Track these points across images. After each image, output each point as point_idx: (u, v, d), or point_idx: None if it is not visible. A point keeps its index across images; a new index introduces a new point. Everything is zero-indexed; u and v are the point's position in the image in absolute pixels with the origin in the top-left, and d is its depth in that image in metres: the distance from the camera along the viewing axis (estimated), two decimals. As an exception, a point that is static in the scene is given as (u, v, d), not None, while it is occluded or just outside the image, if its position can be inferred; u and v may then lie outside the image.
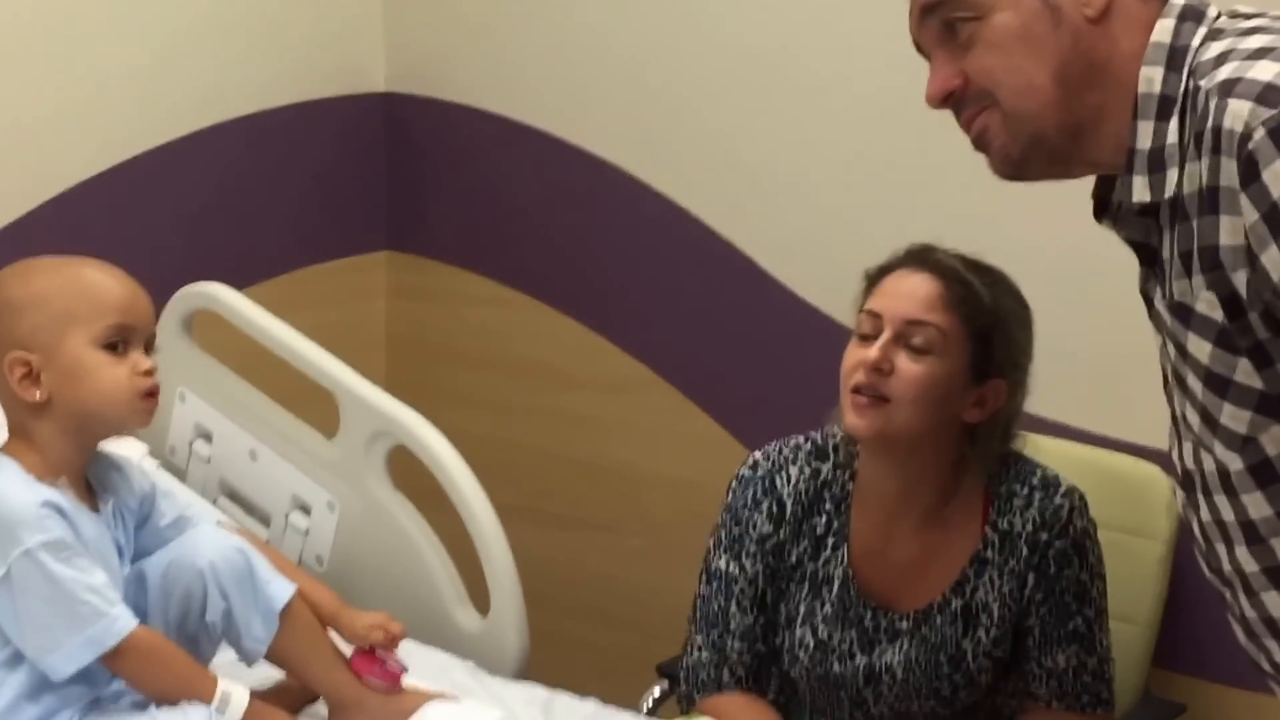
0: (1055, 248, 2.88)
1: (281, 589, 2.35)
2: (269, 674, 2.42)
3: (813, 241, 3.33)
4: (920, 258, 2.46)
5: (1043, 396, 2.55)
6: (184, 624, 2.33)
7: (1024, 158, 1.86)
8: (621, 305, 3.70)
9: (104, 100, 3.53)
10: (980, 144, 1.90)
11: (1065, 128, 1.83)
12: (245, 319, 3.11)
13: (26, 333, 2.22)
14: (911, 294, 2.41)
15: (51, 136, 3.46)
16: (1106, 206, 1.89)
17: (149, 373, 2.25)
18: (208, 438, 3.19)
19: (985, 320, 2.40)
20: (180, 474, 3.20)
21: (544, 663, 2.93)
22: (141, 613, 2.27)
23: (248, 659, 2.36)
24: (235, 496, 3.16)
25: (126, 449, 2.88)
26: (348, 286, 4.03)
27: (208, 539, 2.37)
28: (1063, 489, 2.49)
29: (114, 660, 2.20)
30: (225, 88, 3.75)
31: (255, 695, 2.28)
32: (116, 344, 2.24)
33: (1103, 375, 2.95)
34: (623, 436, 3.72)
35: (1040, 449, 2.56)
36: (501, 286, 3.88)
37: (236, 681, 2.27)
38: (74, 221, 3.47)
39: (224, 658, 2.38)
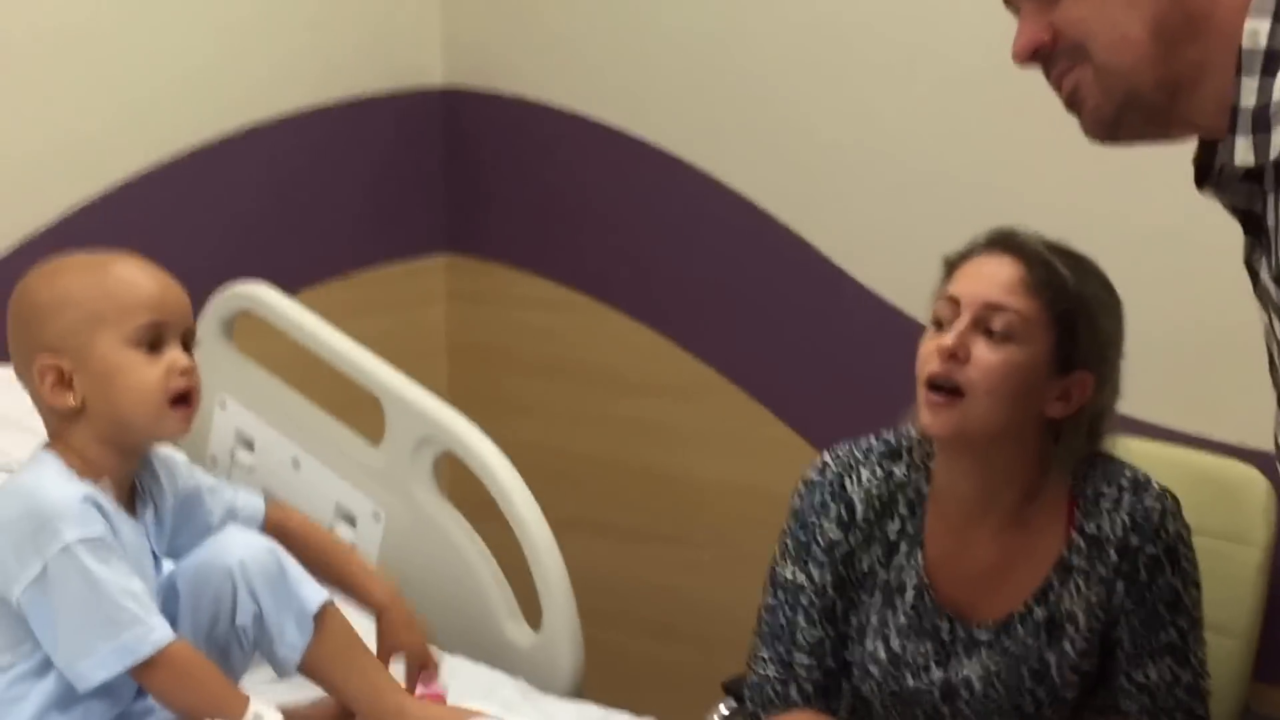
0: (1144, 233, 2.78)
1: (315, 592, 2.24)
2: (302, 696, 2.30)
3: (887, 234, 3.23)
4: (1002, 241, 2.32)
5: (1131, 393, 2.39)
6: (214, 630, 2.22)
7: (1118, 118, 1.75)
8: (687, 305, 3.60)
9: (155, 96, 3.49)
10: (1072, 104, 1.78)
11: (1163, 84, 1.71)
12: (286, 319, 3.01)
13: (55, 336, 2.12)
14: (991, 277, 2.27)
15: (102, 132, 3.43)
16: (1208, 172, 1.75)
17: (187, 371, 2.14)
18: (249, 446, 3.09)
19: (1069, 306, 2.26)
20: (222, 486, 3.07)
21: (607, 680, 2.83)
22: (172, 619, 2.17)
23: (282, 669, 2.25)
24: (280, 509, 3.03)
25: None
26: (406, 291, 3.96)
27: (237, 539, 2.27)
28: (1154, 491, 2.34)
29: (146, 673, 2.09)
30: (277, 83, 3.69)
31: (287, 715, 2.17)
32: (151, 342, 2.12)
33: (1196, 369, 2.83)
34: (690, 443, 3.63)
35: (1129, 451, 2.40)
36: (564, 289, 3.80)
37: (269, 703, 2.14)
38: (123, 218, 3.44)
39: (253, 678, 2.26)
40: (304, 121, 3.72)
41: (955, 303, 2.27)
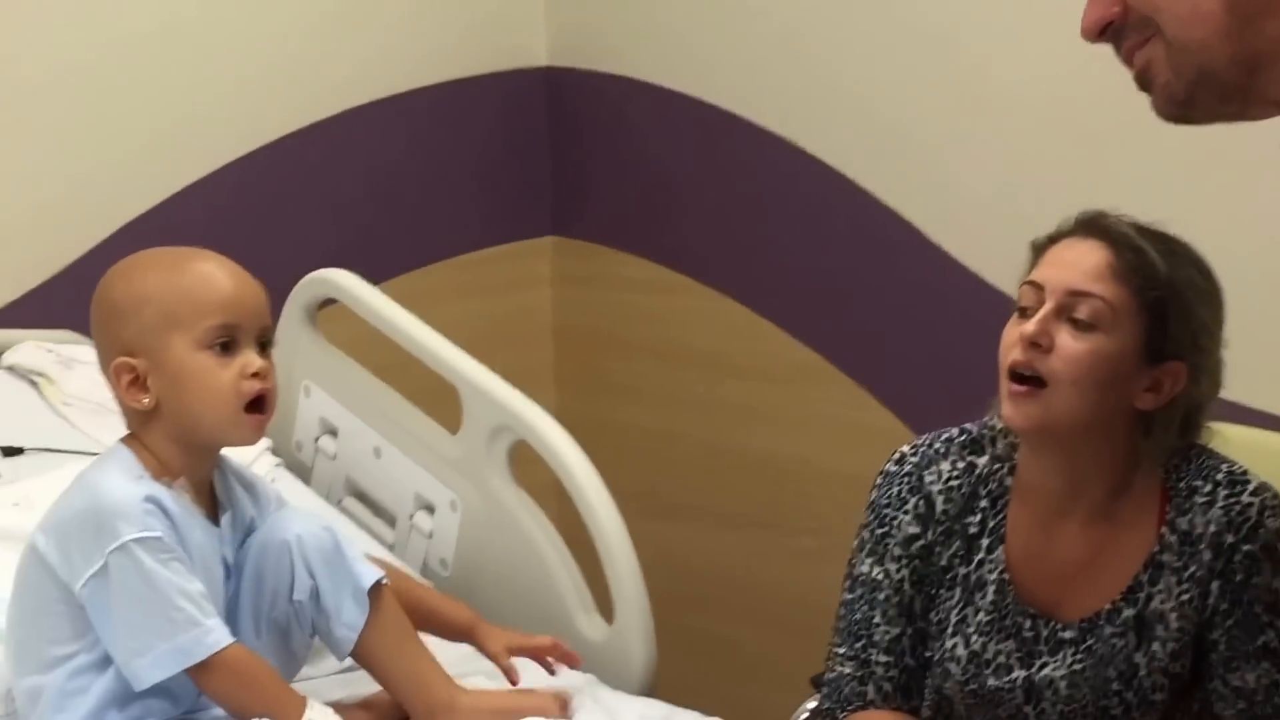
0: (1245, 213, 2.69)
1: (370, 571, 2.21)
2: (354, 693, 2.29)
3: (995, 217, 3.17)
4: (1090, 225, 2.22)
5: (1236, 378, 2.28)
6: (274, 609, 2.20)
7: (1190, 96, 1.66)
8: (791, 289, 3.56)
9: (253, 79, 3.52)
10: (1142, 81, 1.69)
11: (1239, 61, 1.62)
12: (366, 306, 2.98)
13: (131, 336, 2.11)
14: (1077, 263, 2.18)
15: (200, 117, 3.44)
16: None
17: (260, 374, 2.11)
18: (333, 433, 3.06)
19: (1160, 292, 2.16)
20: (306, 472, 3.08)
21: (701, 668, 2.78)
22: (235, 608, 2.17)
23: (339, 650, 2.22)
24: (361, 496, 3.03)
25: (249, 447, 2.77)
26: (511, 274, 3.95)
27: (295, 517, 2.25)
28: (1252, 486, 2.22)
29: (203, 675, 2.08)
30: (378, 64, 3.68)
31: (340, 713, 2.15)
32: (224, 344, 2.10)
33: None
34: (793, 428, 3.59)
35: (1227, 438, 2.30)
36: (668, 271, 3.78)
37: (325, 708, 2.14)
38: (220, 204, 3.45)
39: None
40: (405, 103, 3.70)
41: (1039, 289, 2.18)
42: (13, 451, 2.79)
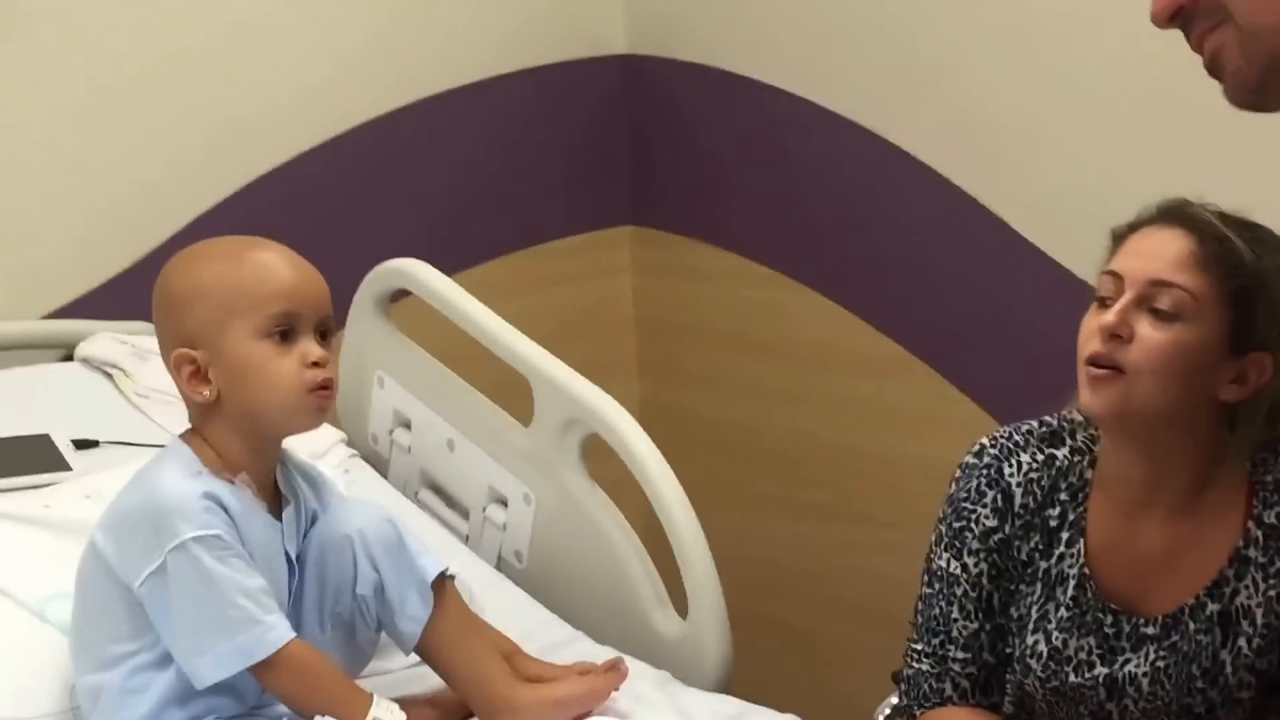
0: None
1: (434, 562, 2.19)
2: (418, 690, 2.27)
3: (1082, 209, 3.06)
4: (1172, 213, 2.17)
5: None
6: (338, 605, 2.18)
7: (1263, 83, 1.64)
8: (874, 280, 3.52)
9: (328, 67, 3.51)
10: (1213, 68, 1.68)
11: None
12: (437, 296, 2.94)
13: (191, 328, 2.09)
14: (1158, 252, 2.13)
15: (275, 106, 3.43)
16: None
17: (320, 363, 2.08)
18: (407, 426, 3.04)
19: (1245, 282, 2.11)
20: (383, 464, 3.05)
21: (783, 664, 2.75)
22: (299, 604, 2.15)
23: (404, 643, 2.20)
24: (436, 489, 3.00)
25: (320, 436, 2.77)
26: (592, 263, 3.93)
27: (357, 508, 2.24)
28: (1342, 478, 2.17)
29: (265, 673, 2.05)
30: (455, 52, 3.67)
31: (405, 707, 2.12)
32: (283, 333, 2.07)
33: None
34: (876, 421, 3.56)
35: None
36: (749, 262, 3.75)
37: (391, 704, 2.10)
38: (296, 194, 3.45)
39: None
40: (482, 91, 3.68)
41: (1119, 279, 2.14)
42: (86, 444, 2.78)
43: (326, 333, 2.13)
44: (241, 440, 2.11)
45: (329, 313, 2.14)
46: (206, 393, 2.09)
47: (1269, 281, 2.12)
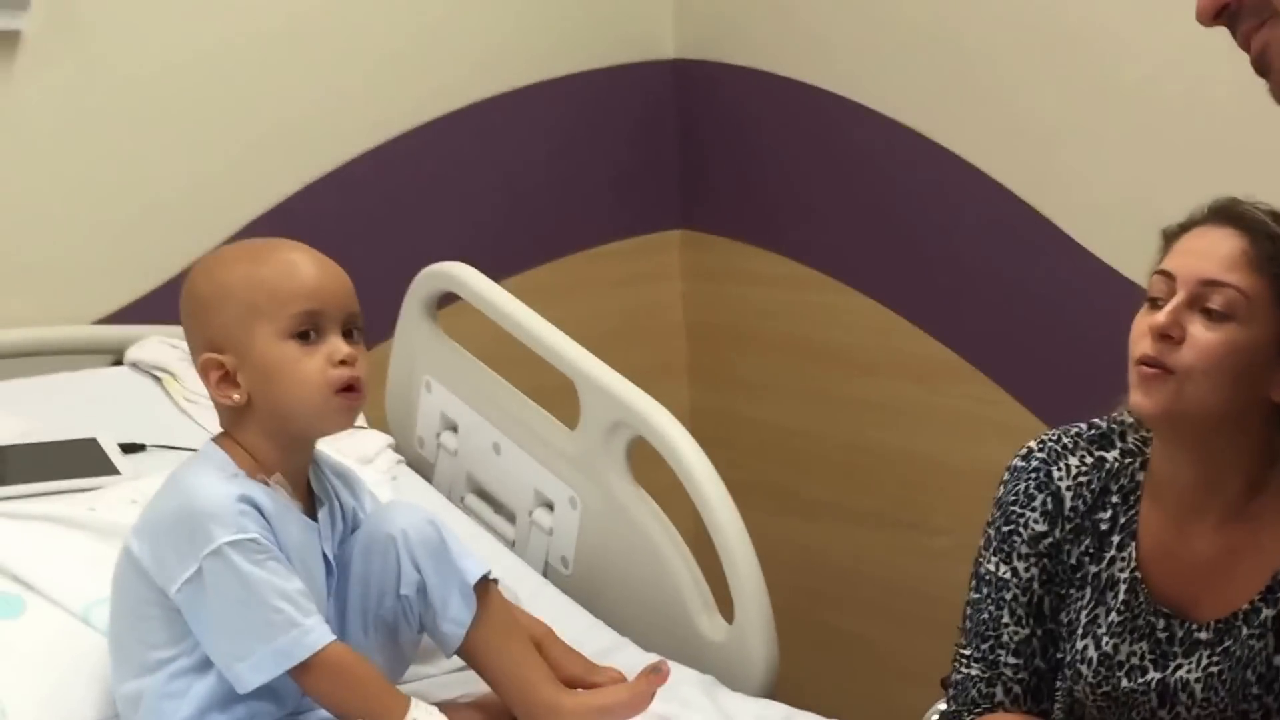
0: None
1: (477, 564, 2.18)
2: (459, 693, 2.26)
3: (1129, 209, 3.08)
4: (1223, 212, 2.14)
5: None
6: (381, 606, 2.17)
7: None
8: (924, 284, 3.50)
9: (379, 73, 3.51)
10: (1260, 66, 1.64)
11: None
12: (483, 300, 2.95)
13: (218, 331, 2.08)
14: (1210, 252, 2.10)
15: (324, 112, 3.45)
16: None
17: (348, 360, 2.07)
18: (454, 429, 3.03)
19: None
20: (429, 468, 3.05)
21: (833, 667, 2.72)
22: (342, 606, 2.15)
23: (446, 646, 2.19)
24: (482, 493, 3.00)
25: (369, 441, 2.76)
26: (641, 268, 3.92)
27: (400, 510, 2.23)
28: (1397, 479, 2.13)
29: (304, 675, 2.04)
30: (505, 56, 3.67)
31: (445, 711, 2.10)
32: (308, 332, 2.06)
33: None
34: (926, 426, 3.53)
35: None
36: (799, 266, 3.73)
37: (430, 707, 2.09)
38: (346, 199, 3.46)
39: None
40: (532, 95, 3.68)
41: (1171, 279, 2.10)
42: (134, 448, 2.78)
43: (353, 331, 2.11)
44: (273, 442, 2.10)
45: (355, 310, 2.13)
46: (236, 396, 2.08)
47: (1321, 281, 2.10)
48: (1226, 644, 2.14)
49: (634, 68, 3.80)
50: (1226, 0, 1.63)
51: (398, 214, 3.50)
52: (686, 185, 3.90)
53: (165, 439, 2.81)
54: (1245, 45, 1.64)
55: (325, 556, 2.15)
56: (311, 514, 2.15)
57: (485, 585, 2.19)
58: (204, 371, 2.09)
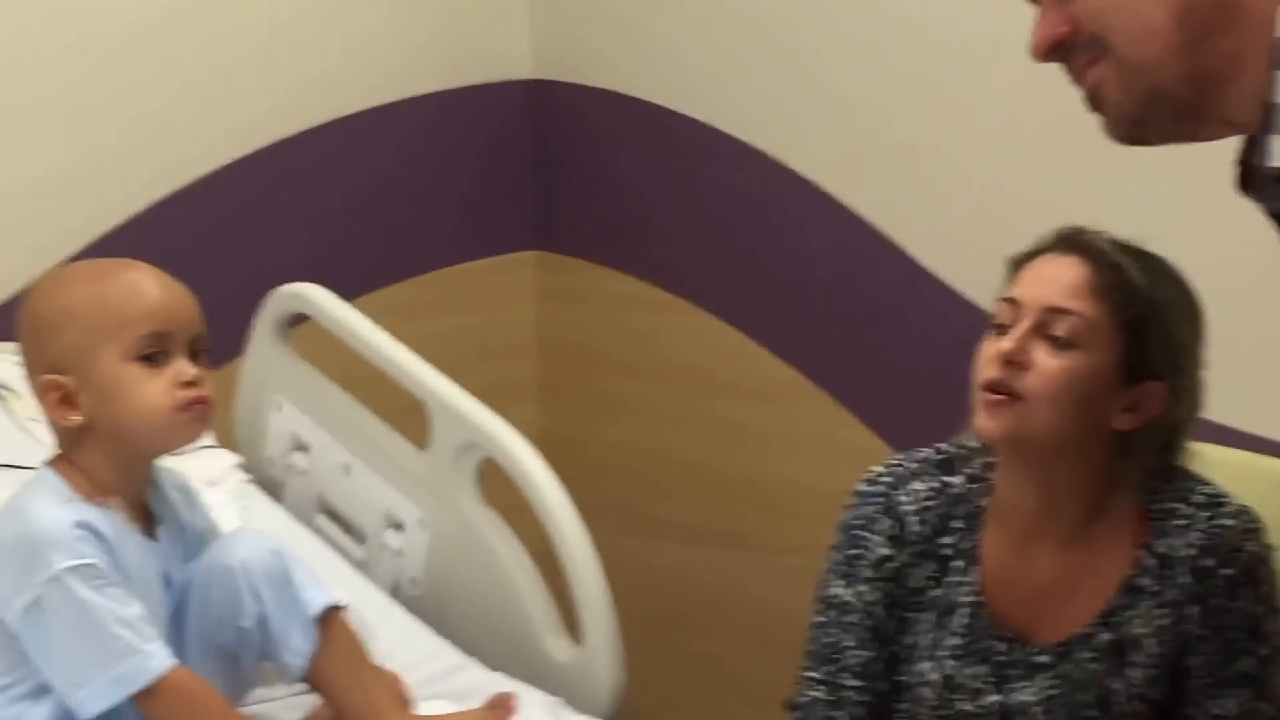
0: (1226, 231, 2.59)
1: (319, 596, 2.15)
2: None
3: (976, 234, 3.13)
4: (1068, 241, 2.18)
5: (1217, 398, 2.25)
6: (221, 634, 2.14)
7: (1143, 116, 1.64)
8: (774, 307, 3.53)
9: (227, 89, 3.47)
10: (1094, 102, 1.68)
11: (1191, 79, 1.59)
12: (334, 321, 2.93)
13: (58, 353, 2.05)
14: (1054, 279, 2.14)
15: (173, 128, 3.40)
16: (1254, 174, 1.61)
17: (192, 382, 2.05)
18: (304, 449, 3.01)
19: (1139, 310, 2.12)
20: (278, 487, 3.02)
21: (683, 690, 2.73)
22: (180, 631, 2.11)
23: (289, 676, 2.17)
24: (332, 513, 2.97)
25: (217, 461, 2.73)
26: (495, 288, 3.92)
27: (243, 539, 2.20)
28: (1232, 508, 2.18)
29: (145, 701, 2.02)
30: (360, 75, 3.65)
31: None
32: (154, 354, 2.04)
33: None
34: (776, 447, 3.56)
35: (1207, 460, 2.25)
36: (651, 287, 3.75)
37: None
38: (196, 217, 3.40)
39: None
40: (387, 114, 3.66)
41: (1016, 305, 2.14)
42: (-34, 468, 2.73)
43: (199, 353, 2.09)
44: (113, 463, 2.07)
45: (202, 331, 2.10)
46: (75, 418, 2.05)
47: (1162, 311, 2.13)
48: (1064, 667, 2.18)
49: (490, 88, 3.80)
50: (1060, 38, 1.66)
51: (248, 231, 3.47)
52: (541, 206, 3.90)
53: (6, 458, 2.77)
54: (1079, 81, 1.68)
55: (166, 576, 2.12)
56: (151, 534, 2.12)
57: (332, 615, 2.16)
58: (43, 393, 2.06)
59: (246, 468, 2.97)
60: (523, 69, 3.84)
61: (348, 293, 3.08)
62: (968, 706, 2.20)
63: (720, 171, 3.55)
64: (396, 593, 2.78)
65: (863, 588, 2.25)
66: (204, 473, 2.70)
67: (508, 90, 3.82)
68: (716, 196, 3.58)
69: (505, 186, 3.87)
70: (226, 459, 2.90)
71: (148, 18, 3.32)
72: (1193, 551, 2.15)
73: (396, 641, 2.44)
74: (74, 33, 3.24)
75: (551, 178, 3.87)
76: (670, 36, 3.61)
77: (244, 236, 3.46)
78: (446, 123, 3.75)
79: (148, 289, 2.07)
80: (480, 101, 3.79)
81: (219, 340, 2.17)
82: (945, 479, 2.26)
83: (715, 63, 3.54)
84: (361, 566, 2.83)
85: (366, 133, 3.63)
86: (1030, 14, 1.74)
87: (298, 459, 3.00)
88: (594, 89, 3.76)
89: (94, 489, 2.06)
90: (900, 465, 2.29)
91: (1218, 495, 2.19)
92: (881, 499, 2.27)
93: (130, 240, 3.22)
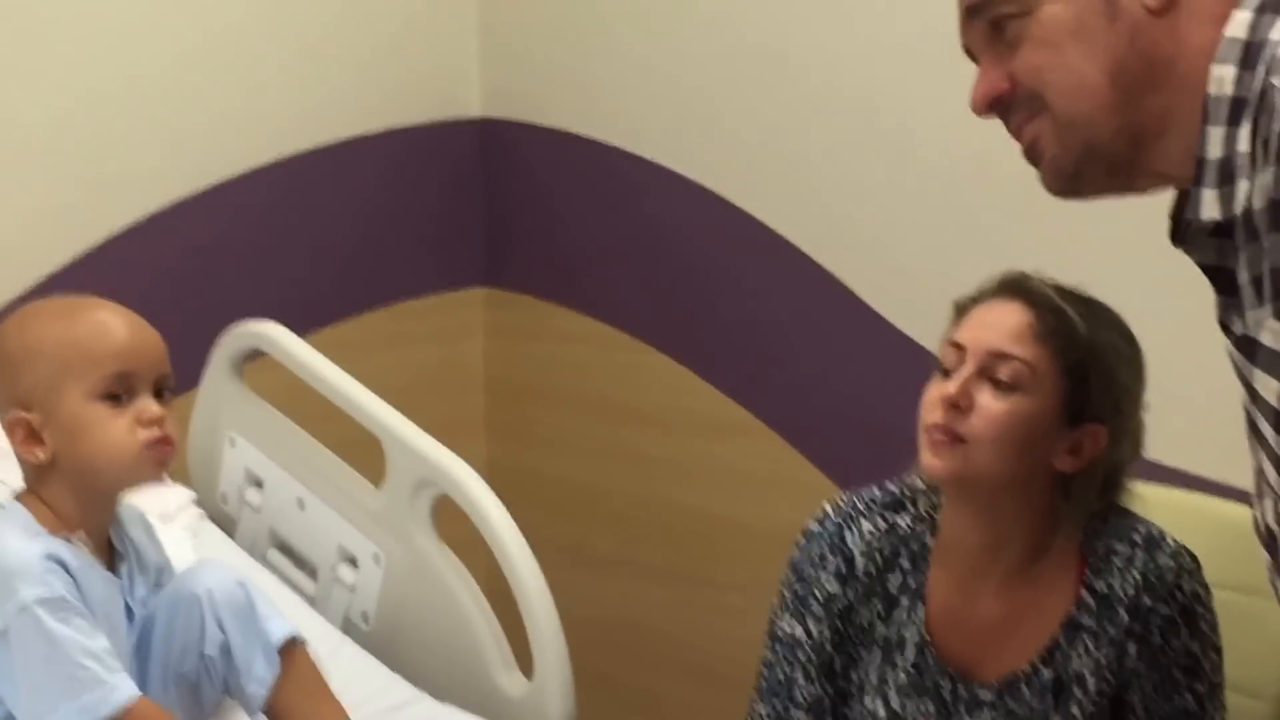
0: (1166, 277, 2.63)
1: (282, 626, 2.19)
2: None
3: (922, 276, 3.14)
4: (1012, 286, 2.23)
5: (1156, 439, 2.29)
6: (184, 662, 2.17)
7: (1078, 170, 1.69)
8: (721, 344, 3.55)
9: (180, 124, 3.45)
10: (1031, 156, 1.73)
11: (1124, 134, 1.65)
12: (291, 357, 2.95)
13: (25, 390, 2.07)
14: (998, 324, 2.18)
15: (124, 166, 3.38)
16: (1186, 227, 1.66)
17: (156, 421, 2.08)
18: (258, 485, 3.03)
19: (1081, 355, 2.16)
20: (231, 523, 3.04)
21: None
22: (144, 660, 2.14)
23: (249, 705, 2.20)
24: (285, 549, 2.99)
25: (171, 496, 2.75)
26: (445, 324, 3.93)
27: (207, 569, 2.23)
28: (1170, 548, 2.23)
29: None
30: (311, 114, 3.66)
31: None
32: (119, 393, 2.07)
33: (1221, 413, 2.67)
34: (721, 484, 3.58)
35: (1146, 499, 2.30)
36: (600, 324, 3.77)
37: None
38: (148, 254, 3.40)
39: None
40: (341, 153, 3.68)
41: (961, 349, 2.19)
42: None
43: (164, 391, 2.12)
44: (77, 498, 2.10)
45: (167, 370, 2.13)
46: (41, 454, 2.08)
47: (1103, 355, 2.18)
48: (1008, 704, 2.22)
49: (440, 127, 3.82)
50: (999, 93, 1.71)
51: (203, 269, 3.47)
52: (491, 243, 3.92)
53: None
54: (1018, 135, 1.73)
55: (128, 608, 2.15)
56: (113, 568, 2.15)
57: (292, 647, 2.20)
58: (9, 428, 2.09)
59: (200, 503, 2.98)
60: (472, 108, 3.87)
61: (302, 327, 3.10)
62: (914, 742, 2.24)
63: (665, 208, 3.58)
64: (348, 628, 2.80)
65: (812, 624, 2.29)
66: (158, 507, 2.71)
67: (458, 129, 3.85)
68: (661, 233, 3.61)
69: (455, 224, 3.89)
70: (181, 495, 2.92)
71: (100, 52, 3.32)
72: (1131, 590, 2.20)
73: (349, 676, 2.46)
74: (25, 76, 3.24)
75: (502, 215, 3.90)
76: (614, 75, 3.65)
77: (198, 273, 3.46)
78: (399, 161, 3.77)
79: (115, 329, 2.11)
80: (431, 140, 3.81)
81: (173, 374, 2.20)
82: (893, 518, 2.30)
83: (659, 101, 3.57)
84: (313, 602, 2.85)
85: (318, 172, 3.64)
86: (972, 69, 1.80)
87: (251, 495, 3.02)
88: (541, 127, 3.79)
89: (59, 523, 2.09)
90: (850, 505, 2.33)
91: (1156, 535, 2.23)
92: (831, 538, 2.31)
93: (85, 275, 3.23)
